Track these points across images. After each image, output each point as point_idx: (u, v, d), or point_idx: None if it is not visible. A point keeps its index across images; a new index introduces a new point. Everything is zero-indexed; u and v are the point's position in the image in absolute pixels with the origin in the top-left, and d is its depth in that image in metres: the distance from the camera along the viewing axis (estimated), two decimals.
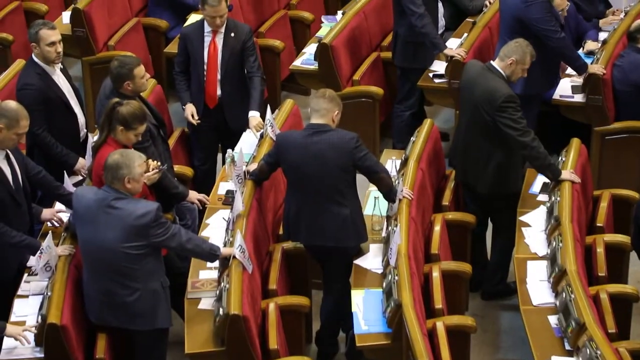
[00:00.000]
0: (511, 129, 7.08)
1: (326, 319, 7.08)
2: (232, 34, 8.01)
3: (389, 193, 6.90)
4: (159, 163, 6.83)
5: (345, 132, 6.71)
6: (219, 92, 8.07)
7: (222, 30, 7.99)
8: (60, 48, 7.37)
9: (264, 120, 7.83)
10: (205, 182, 8.02)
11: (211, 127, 8.18)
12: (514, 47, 7.24)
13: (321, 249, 6.90)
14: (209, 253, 6.45)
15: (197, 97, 8.11)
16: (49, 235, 6.50)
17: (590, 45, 9.01)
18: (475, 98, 7.21)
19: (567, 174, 7.28)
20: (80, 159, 7.42)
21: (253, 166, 7.20)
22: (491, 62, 7.33)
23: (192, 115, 8.01)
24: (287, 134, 6.93)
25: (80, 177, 7.43)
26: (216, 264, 6.64)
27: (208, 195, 7.38)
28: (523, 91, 7.98)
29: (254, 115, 7.96)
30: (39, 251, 6.43)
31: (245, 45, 8.04)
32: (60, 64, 7.46)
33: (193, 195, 7.26)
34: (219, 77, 8.04)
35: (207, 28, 8.00)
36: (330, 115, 6.71)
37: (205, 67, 8.02)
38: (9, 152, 6.62)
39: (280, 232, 7.21)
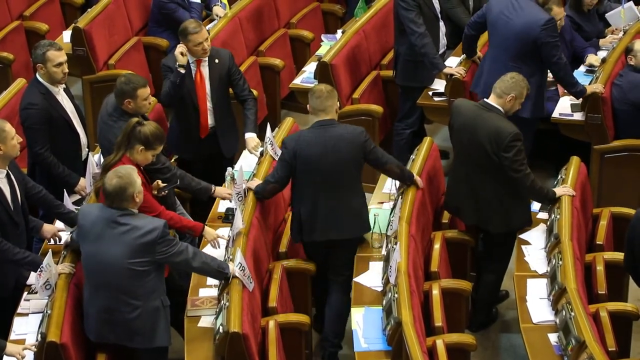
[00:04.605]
0: (513, 171, 7.00)
1: (333, 315, 7.12)
2: (216, 60, 7.94)
3: (402, 178, 7.24)
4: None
5: (352, 126, 7.01)
6: (210, 121, 7.99)
7: (206, 58, 7.91)
8: (66, 68, 7.41)
9: (261, 140, 7.85)
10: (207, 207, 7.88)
11: (203, 158, 8.09)
12: (512, 84, 7.09)
13: (334, 243, 7.01)
14: (217, 271, 6.44)
15: (188, 129, 7.99)
16: (49, 254, 6.50)
17: (591, 59, 9.03)
18: (478, 139, 7.07)
19: (560, 190, 7.29)
20: (82, 179, 7.43)
21: (254, 183, 7.22)
22: (485, 99, 7.21)
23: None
24: (297, 135, 7.03)
25: (79, 196, 7.44)
26: (216, 281, 6.63)
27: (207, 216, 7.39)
28: (530, 115, 8.05)
29: (251, 136, 7.95)
30: (39, 269, 6.43)
31: (231, 70, 7.98)
32: (64, 83, 7.50)
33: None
34: (209, 105, 7.95)
35: (190, 58, 7.89)
36: (334, 109, 6.93)
37: (195, 98, 7.94)
38: (9, 172, 6.63)
39: (282, 249, 7.21)
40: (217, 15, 9.70)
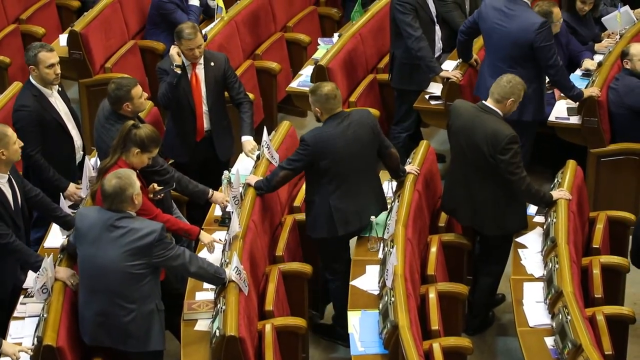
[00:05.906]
0: (509, 173, 7.02)
1: None
2: (212, 63, 7.92)
3: (397, 170, 7.34)
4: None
5: (358, 109, 7.35)
6: (206, 124, 7.97)
7: (201, 61, 7.91)
8: (58, 70, 7.41)
9: (257, 143, 7.85)
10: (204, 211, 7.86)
11: (199, 161, 8.08)
12: (510, 88, 7.10)
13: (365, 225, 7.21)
14: (214, 276, 6.43)
15: (184, 132, 7.98)
16: (50, 258, 6.47)
17: (587, 63, 9.05)
18: (475, 141, 7.09)
19: (556, 193, 7.30)
20: (71, 185, 7.40)
21: (253, 179, 7.23)
22: (483, 102, 7.22)
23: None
24: (317, 133, 7.04)
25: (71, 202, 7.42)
26: (212, 285, 6.62)
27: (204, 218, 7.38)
28: (532, 117, 8.09)
29: (248, 139, 7.95)
30: (36, 273, 6.42)
31: (227, 74, 7.97)
32: (58, 86, 7.49)
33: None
34: (205, 109, 7.94)
35: (185, 62, 7.88)
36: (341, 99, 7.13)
37: (192, 100, 7.93)
38: (11, 176, 6.63)
39: (278, 252, 7.20)
40: (211, 6, 9.71)
